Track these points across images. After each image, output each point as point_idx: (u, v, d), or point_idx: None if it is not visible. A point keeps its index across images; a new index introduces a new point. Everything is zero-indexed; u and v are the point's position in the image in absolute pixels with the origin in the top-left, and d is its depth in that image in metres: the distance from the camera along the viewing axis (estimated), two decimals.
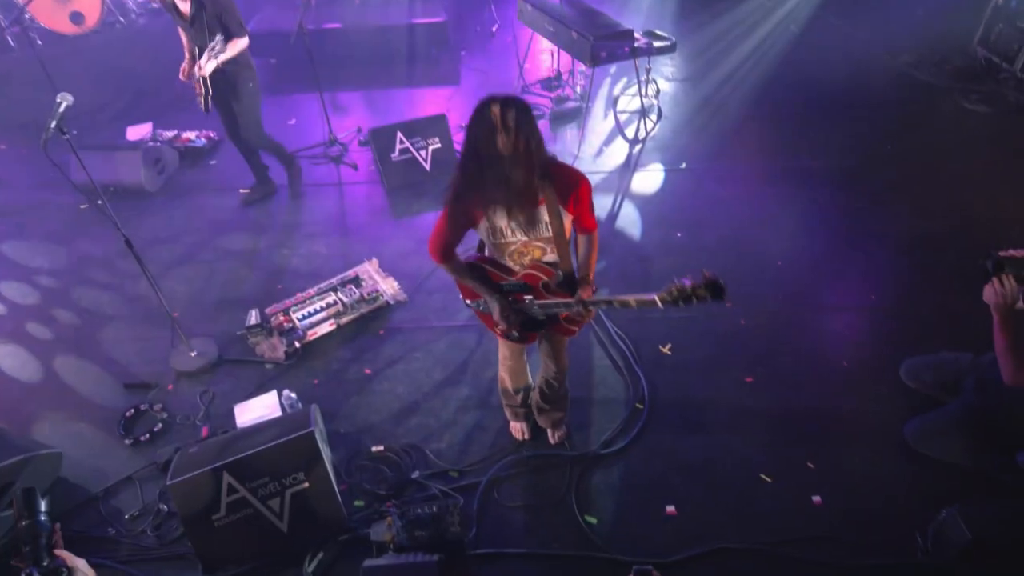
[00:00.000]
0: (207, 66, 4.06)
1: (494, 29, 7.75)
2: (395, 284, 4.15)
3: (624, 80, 6.48)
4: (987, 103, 5.85)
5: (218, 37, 4.03)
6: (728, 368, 3.50)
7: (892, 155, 5.22)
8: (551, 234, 2.27)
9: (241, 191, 5.15)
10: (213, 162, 5.59)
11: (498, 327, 2.56)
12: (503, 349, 2.89)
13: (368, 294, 4.02)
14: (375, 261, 4.34)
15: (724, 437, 3.15)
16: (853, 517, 2.79)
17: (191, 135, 5.71)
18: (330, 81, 6.43)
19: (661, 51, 5.35)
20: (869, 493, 2.88)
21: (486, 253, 2.55)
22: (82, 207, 4.99)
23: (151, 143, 5.50)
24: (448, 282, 4.18)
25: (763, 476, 2.97)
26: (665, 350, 3.63)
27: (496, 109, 1.99)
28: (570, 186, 2.22)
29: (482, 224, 2.29)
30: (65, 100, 2.68)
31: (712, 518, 2.81)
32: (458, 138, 5.60)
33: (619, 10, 7.56)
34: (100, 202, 3.07)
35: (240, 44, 4.21)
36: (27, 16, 5.91)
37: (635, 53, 5.13)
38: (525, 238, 2.30)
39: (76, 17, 6.02)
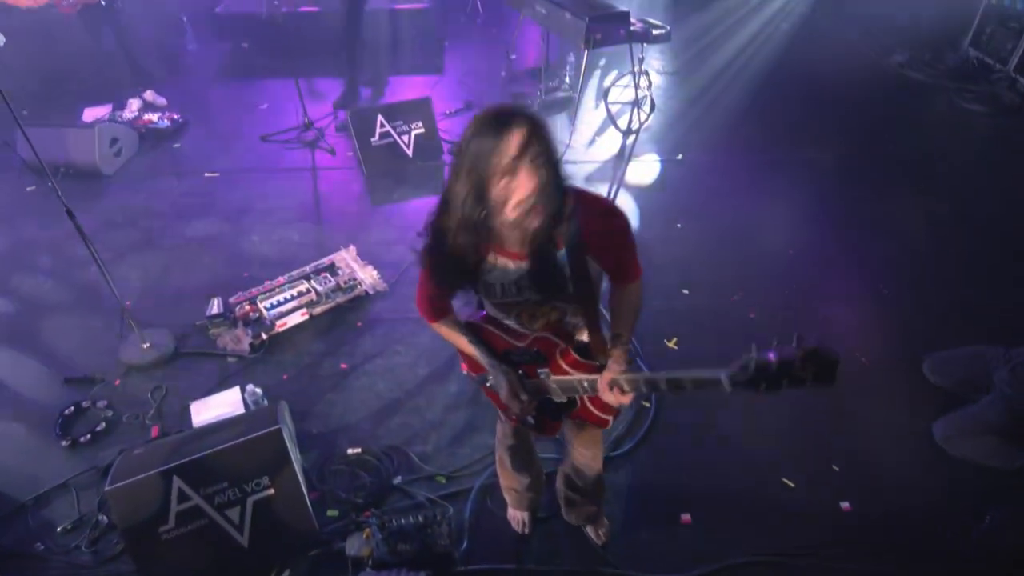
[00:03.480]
0: None
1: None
2: (374, 273, 3.80)
3: (615, 72, 6.24)
4: (982, 102, 5.74)
5: None
6: None
7: (892, 149, 5.05)
8: (573, 291, 1.64)
9: (207, 175, 4.76)
10: (177, 145, 5.18)
11: (510, 411, 1.89)
12: (503, 426, 2.24)
13: (345, 282, 3.66)
14: (353, 249, 3.98)
15: (739, 438, 2.86)
16: (887, 523, 2.51)
17: (153, 116, 5.30)
18: (306, 67, 6.07)
19: (657, 39, 5.13)
20: (902, 497, 2.61)
21: (487, 310, 1.92)
22: (29, 188, 4.55)
23: (108, 123, 5.08)
24: None
25: (785, 480, 2.69)
26: (671, 344, 3.35)
27: (511, 137, 1.35)
28: (598, 222, 1.58)
29: (477, 279, 1.68)
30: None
31: (733, 527, 2.51)
32: (443, 125, 5.28)
33: None
34: (50, 184, 2.68)
35: None
36: None
37: (631, 37, 4.89)
38: (536, 297, 1.68)
39: None
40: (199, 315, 3.45)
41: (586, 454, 2.17)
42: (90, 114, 5.51)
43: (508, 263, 1.61)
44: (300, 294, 3.56)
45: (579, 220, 1.52)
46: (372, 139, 4.79)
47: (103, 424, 2.89)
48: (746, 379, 1.23)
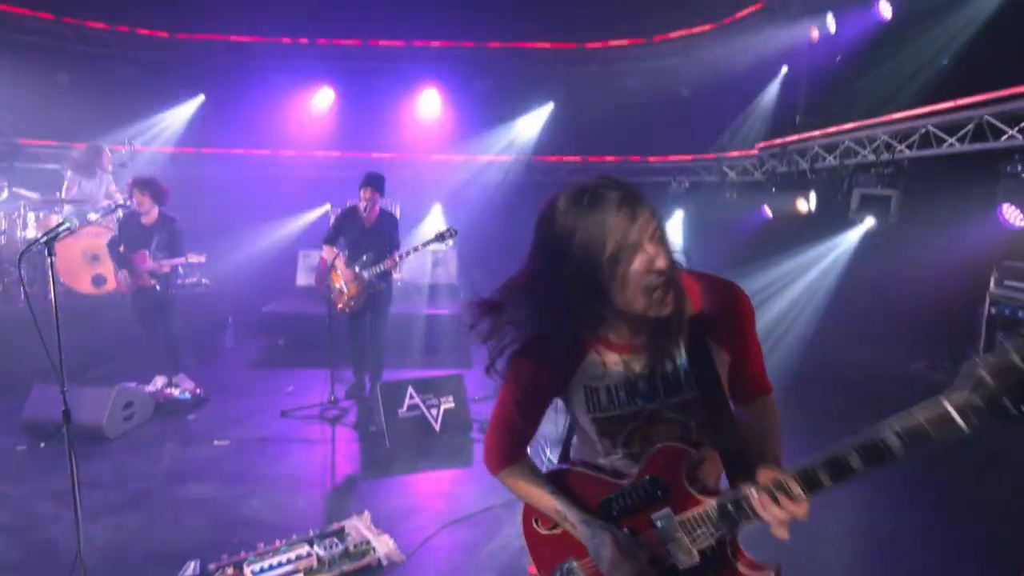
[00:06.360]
0: (372, 271, 4.97)
1: None
2: (390, 542, 3.14)
3: None
4: None
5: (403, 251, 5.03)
6: None
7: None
8: (696, 393, 1.32)
9: (216, 443, 4.39)
10: (192, 416, 4.92)
11: None
12: None
13: (355, 546, 3.00)
14: (367, 516, 3.38)
15: None
16: None
17: (175, 391, 5.17)
18: (340, 361, 6.19)
19: None
20: None
21: (571, 454, 1.54)
22: (19, 448, 4.16)
23: (128, 387, 4.94)
24: (464, 539, 3.21)
25: None
26: None
27: (642, 209, 1.21)
28: (724, 305, 1.34)
29: (576, 384, 1.36)
30: (70, 222, 2.32)
31: None
32: (477, 410, 5.03)
33: None
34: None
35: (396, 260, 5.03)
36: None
37: None
38: (651, 404, 1.34)
39: (98, 280, 6.08)
40: None
41: None
42: None
43: (616, 358, 1.33)
44: (298, 558, 2.88)
45: (699, 301, 1.33)
46: (400, 410, 4.55)
47: None
48: (986, 398, 0.98)
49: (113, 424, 4.37)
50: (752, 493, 1.20)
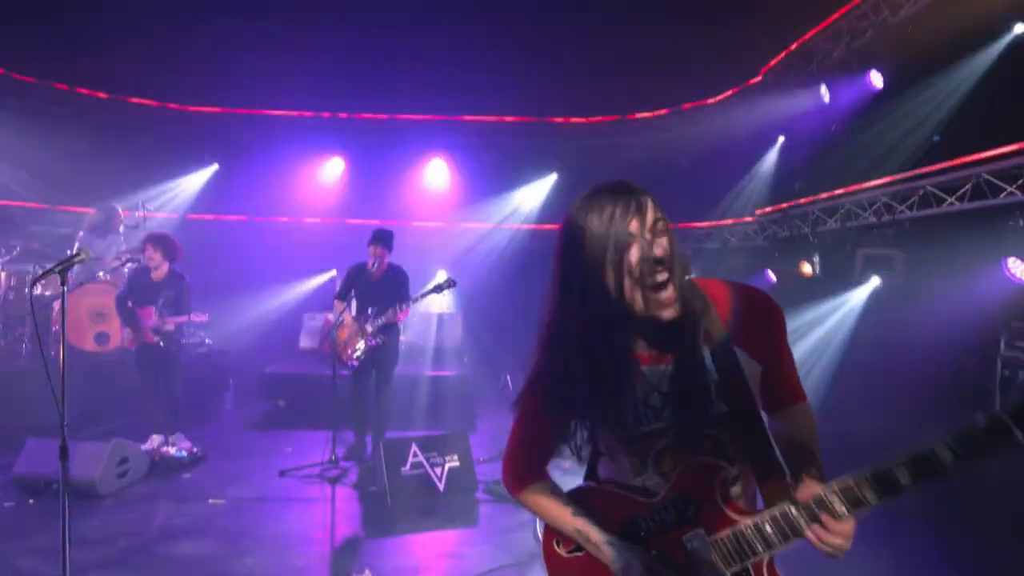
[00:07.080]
0: (377, 323, 4.97)
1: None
2: None
3: None
4: None
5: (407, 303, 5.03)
6: None
7: (977, 493, 4.53)
8: (726, 407, 1.25)
9: (211, 501, 4.22)
10: (187, 475, 4.76)
11: None
12: None
13: None
14: (367, 574, 3.21)
15: None
16: None
17: (171, 449, 5.02)
18: (342, 422, 6.05)
19: None
20: None
21: (599, 472, 1.44)
22: (6, 504, 4.00)
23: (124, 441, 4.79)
24: None
25: None
26: None
27: (641, 196, 1.20)
28: (752, 312, 1.29)
29: (601, 401, 1.31)
30: (85, 253, 2.32)
31: None
32: (482, 470, 4.87)
33: None
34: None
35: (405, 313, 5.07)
36: (54, 328, 5.94)
37: None
38: (681, 420, 1.27)
39: (102, 338, 6.04)
40: None
41: None
42: None
43: (643, 371, 1.27)
44: None
45: (727, 309, 1.29)
46: (403, 468, 4.40)
47: None
48: None
49: (106, 480, 4.21)
50: (791, 511, 1.14)
